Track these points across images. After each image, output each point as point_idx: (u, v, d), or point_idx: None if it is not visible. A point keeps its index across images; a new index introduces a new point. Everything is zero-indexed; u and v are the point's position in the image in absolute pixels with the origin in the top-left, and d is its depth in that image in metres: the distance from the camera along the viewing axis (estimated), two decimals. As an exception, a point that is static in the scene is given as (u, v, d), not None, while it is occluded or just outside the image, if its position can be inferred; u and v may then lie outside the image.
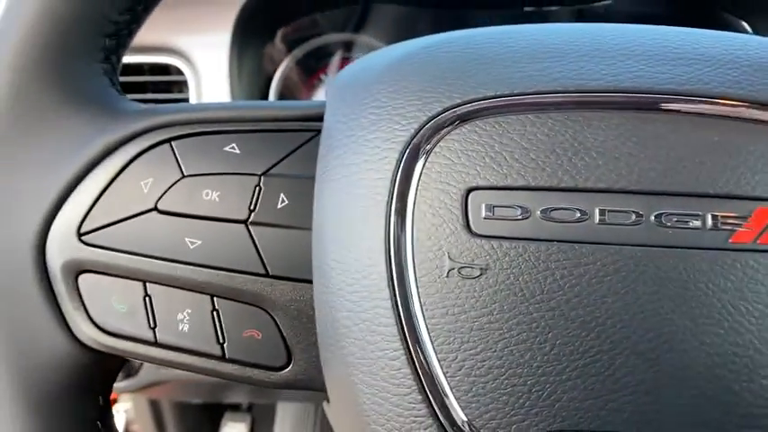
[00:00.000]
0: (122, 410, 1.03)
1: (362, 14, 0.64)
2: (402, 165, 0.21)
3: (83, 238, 0.25)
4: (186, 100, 0.54)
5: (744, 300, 0.19)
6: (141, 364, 0.58)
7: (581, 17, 0.66)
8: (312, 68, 0.66)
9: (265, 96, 0.62)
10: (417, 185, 0.21)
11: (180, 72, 0.54)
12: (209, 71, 0.52)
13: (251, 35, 0.54)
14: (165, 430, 1.01)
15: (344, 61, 0.67)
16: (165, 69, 0.54)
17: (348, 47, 0.66)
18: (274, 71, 0.62)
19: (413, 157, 0.21)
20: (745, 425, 0.19)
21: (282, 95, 0.63)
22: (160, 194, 0.25)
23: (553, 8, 0.65)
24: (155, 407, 0.99)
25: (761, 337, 0.19)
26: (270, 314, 0.25)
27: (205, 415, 1.09)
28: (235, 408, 1.11)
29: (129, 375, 0.60)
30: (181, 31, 0.51)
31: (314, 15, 0.64)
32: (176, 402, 1.00)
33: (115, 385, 0.44)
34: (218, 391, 0.84)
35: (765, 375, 0.19)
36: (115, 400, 1.00)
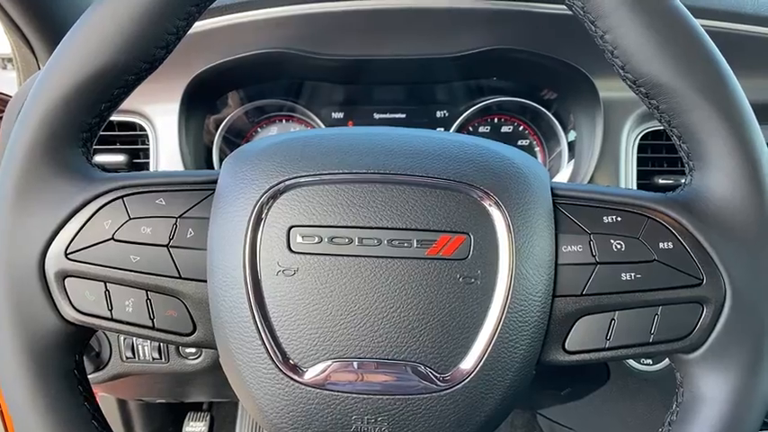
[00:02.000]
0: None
1: (298, 87, 0.75)
2: (255, 213, 0.33)
3: (68, 256, 0.34)
4: (148, 149, 0.66)
5: (426, 283, 0.32)
6: (109, 358, 0.64)
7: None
8: (249, 126, 0.77)
9: (210, 146, 0.74)
10: (263, 224, 0.33)
11: (143, 128, 0.66)
12: (164, 129, 0.64)
13: (195, 105, 0.66)
14: (133, 430, 1.05)
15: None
16: (132, 126, 0.66)
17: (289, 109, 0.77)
18: (216, 129, 0.74)
19: (261, 209, 0.33)
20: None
21: (225, 139, 0.74)
22: (116, 230, 0.34)
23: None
24: (123, 408, 1.02)
25: (427, 297, 0.32)
26: (182, 301, 0.35)
27: (169, 416, 1.12)
28: (196, 408, 1.15)
29: (98, 368, 0.65)
30: (144, 99, 0.63)
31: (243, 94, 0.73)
32: (142, 404, 1.03)
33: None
34: (178, 390, 0.87)
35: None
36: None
